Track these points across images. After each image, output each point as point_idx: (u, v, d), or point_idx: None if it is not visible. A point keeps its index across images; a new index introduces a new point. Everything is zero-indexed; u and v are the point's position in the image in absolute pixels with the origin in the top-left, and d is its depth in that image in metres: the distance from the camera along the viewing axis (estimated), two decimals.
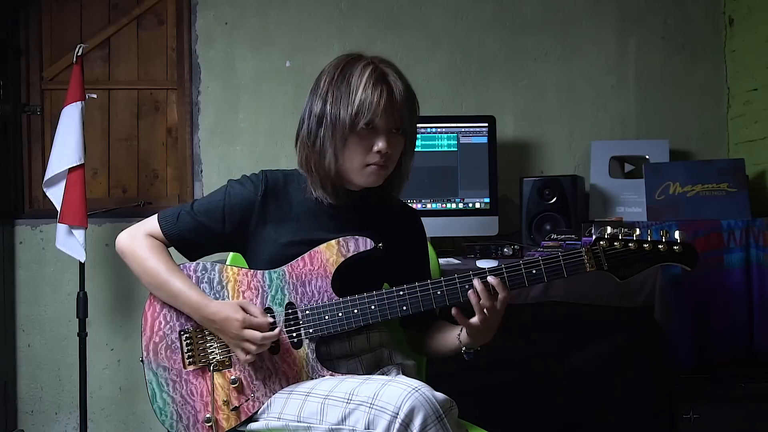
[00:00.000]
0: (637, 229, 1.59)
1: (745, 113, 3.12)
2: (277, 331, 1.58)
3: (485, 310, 1.55)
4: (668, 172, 2.88)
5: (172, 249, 1.70)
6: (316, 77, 1.67)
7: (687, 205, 2.81)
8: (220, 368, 1.61)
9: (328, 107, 1.60)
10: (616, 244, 1.57)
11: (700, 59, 3.23)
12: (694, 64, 3.23)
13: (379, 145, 1.59)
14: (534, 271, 1.57)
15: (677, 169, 2.88)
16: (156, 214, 1.70)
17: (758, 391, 2.52)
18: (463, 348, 1.66)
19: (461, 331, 1.64)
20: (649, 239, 1.57)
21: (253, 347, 1.55)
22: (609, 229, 1.58)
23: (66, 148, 2.75)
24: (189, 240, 1.67)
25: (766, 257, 2.68)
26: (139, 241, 1.66)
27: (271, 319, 1.59)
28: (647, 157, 3.04)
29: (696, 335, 2.68)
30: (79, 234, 2.76)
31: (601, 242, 1.57)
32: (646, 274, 2.40)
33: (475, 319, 1.56)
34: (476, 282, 1.55)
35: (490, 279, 1.55)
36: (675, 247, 1.56)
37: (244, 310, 1.57)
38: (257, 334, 1.55)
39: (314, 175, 1.65)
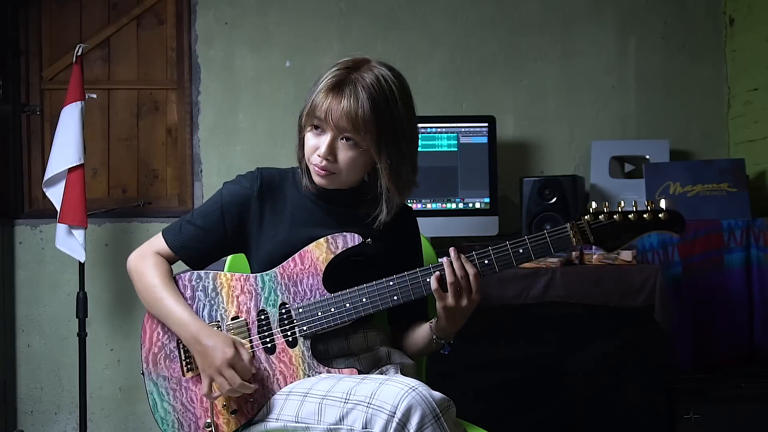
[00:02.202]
0: (622, 202, 1.59)
1: (745, 113, 3.12)
2: (253, 387, 1.55)
3: (456, 287, 1.56)
4: (668, 172, 2.88)
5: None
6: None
7: (687, 205, 2.81)
8: None
9: (303, 105, 1.67)
10: (601, 217, 1.57)
11: (700, 59, 3.23)
12: (694, 64, 3.23)
13: (320, 148, 1.61)
14: (521, 250, 1.58)
15: (677, 169, 2.88)
16: (161, 231, 1.72)
17: (758, 391, 2.52)
18: (434, 336, 1.66)
19: (434, 321, 1.65)
20: (634, 209, 1.57)
21: (226, 387, 1.54)
22: (594, 204, 1.58)
23: (66, 148, 2.75)
24: (194, 248, 1.69)
25: (767, 257, 2.67)
26: (146, 259, 1.69)
27: (254, 370, 1.57)
28: (647, 157, 3.04)
29: (696, 335, 2.68)
30: (78, 234, 2.76)
31: (586, 216, 1.57)
32: (647, 275, 2.42)
33: (450, 298, 1.56)
34: (444, 259, 1.57)
35: (452, 255, 1.57)
36: (660, 215, 1.56)
37: (236, 347, 1.56)
38: (237, 379, 1.52)
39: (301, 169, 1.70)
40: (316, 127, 1.62)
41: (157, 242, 1.71)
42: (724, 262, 2.69)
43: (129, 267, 1.72)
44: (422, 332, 1.72)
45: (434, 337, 1.67)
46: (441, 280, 1.57)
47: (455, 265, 1.57)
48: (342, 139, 1.60)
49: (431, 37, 3.19)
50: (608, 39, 3.22)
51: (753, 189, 2.94)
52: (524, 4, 3.21)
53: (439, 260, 1.61)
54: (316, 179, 1.65)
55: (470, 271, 1.57)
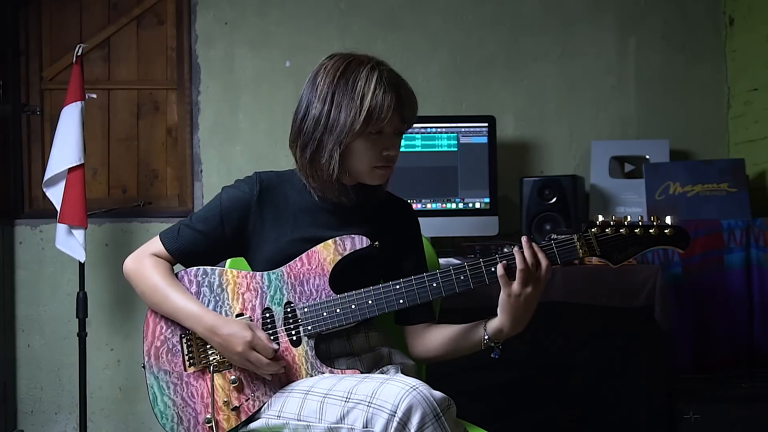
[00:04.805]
0: (629, 216, 1.61)
1: (745, 113, 3.12)
2: (279, 367, 1.56)
3: (524, 274, 1.53)
4: (668, 172, 2.88)
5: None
6: (311, 75, 1.66)
7: (687, 205, 2.81)
8: (221, 369, 1.61)
9: (333, 111, 1.59)
10: (607, 230, 1.59)
11: (700, 59, 3.23)
12: (694, 64, 3.23)
13: (390, 150, 1.62)
14: None
15: (677, 169, 2.88)
16: (158, 235, 1.71)
17: (758, 391, 2.52)
18: (486, 338, 1.62)
19: (486, 322, 1.62)
20: (640, 224, 1.59)
21: (258, 371, 1.56)
22: (600, 217, 1.60)
23: (66, 148, 2.75)
24: (192, 252, 1.68)
25: (767, 257, 2.67)
26: (143, 261, 1.68)
27: (276, 346, 1.57)
28: (647, 157, 3.04)
29: (696, 335, 2.68)
30: (78, 234, 2.76)
31: (592, 229, 1.58)
32: (647, 275, 2.42)
33: (516, 285, 1.53)
34: (515, 249, 1.55)
35: (525, 243, 1.55)
36: (666, 231, 1.58)
37: (252, 330, 1.56)
38: (263, 360, 1.54)
39: (318, 179, 1.64)
40: (377, 131, 1.60)
41: (154, 245, 1.70)
42: (724, 262, 2.69)
43: (127, 271, 1.70)
44: (470, 332, 1.66)
45: (486, 338, 1.62)
46: (508, 268, 1.55)
47: (527, 253, 1.54)
48: (400, 133, 1.66)
49: (431, 37, 3.19)
50: (608, 39, 3.22)
51: (753, 189, 2.94)
52: (524, 4, 3.21)
53: (498, 251, 1.61)
54: (378, 180, 1.65)
55: (543, 262, 1.54)
